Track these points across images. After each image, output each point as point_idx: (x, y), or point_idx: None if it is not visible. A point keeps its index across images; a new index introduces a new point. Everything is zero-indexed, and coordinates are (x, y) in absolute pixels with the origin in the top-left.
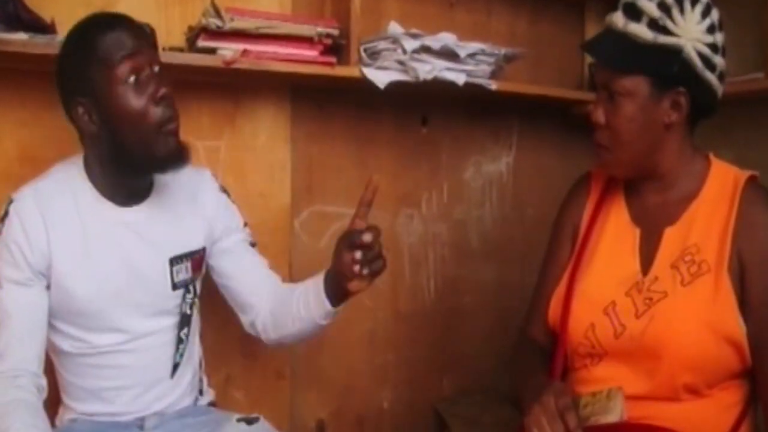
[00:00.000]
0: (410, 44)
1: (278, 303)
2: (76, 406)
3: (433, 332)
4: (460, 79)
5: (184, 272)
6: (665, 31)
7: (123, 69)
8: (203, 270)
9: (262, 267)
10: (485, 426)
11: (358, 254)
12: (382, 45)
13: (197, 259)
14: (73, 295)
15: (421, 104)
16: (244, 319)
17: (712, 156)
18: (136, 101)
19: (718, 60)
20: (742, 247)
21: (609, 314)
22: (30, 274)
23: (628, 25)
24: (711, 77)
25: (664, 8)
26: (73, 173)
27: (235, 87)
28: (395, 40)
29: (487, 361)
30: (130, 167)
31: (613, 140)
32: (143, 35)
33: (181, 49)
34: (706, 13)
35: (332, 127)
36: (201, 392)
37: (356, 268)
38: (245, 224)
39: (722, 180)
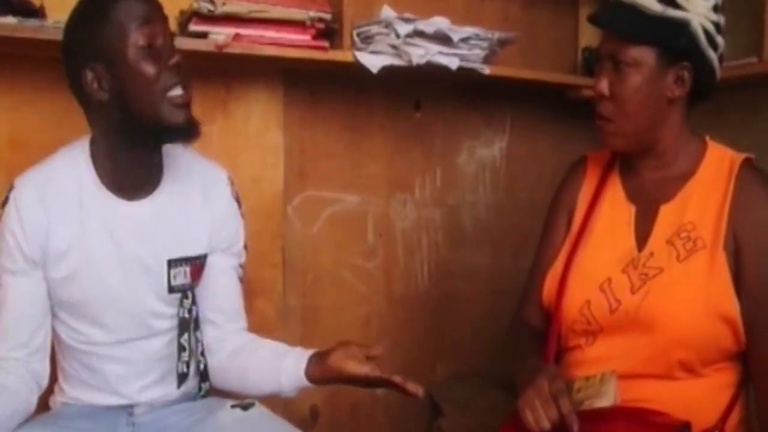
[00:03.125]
0: (403, 28)
1: (240, 351)
2: (68, 391)
3: (426, 318)
4: (454, 63)
5: (182, 277)
6: (674, 4)
7: (138, 35)
8: (201, 279)
9: (237, 297)
10: (479, 411)
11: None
12: (374, 29)
13: (197, 266)
14: (67, 290)
15: (414, 89)
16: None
17: (708, 138)
18: (149, 67)
19: (720, 40)
20: (738, 227)
21: (604, 290)
22: (24, 265)
23: None
24: (713, 56)
25: None
26: (78, 160)
27: (227, 72)
28: (388, 24)
29: (480, 347)
30: (139, 137)
31: (617, 111)
32: (156, 5)
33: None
34: None
35: (325, 111)
36: (206, 377)
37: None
38: (245, 246)
39: (718, 161)
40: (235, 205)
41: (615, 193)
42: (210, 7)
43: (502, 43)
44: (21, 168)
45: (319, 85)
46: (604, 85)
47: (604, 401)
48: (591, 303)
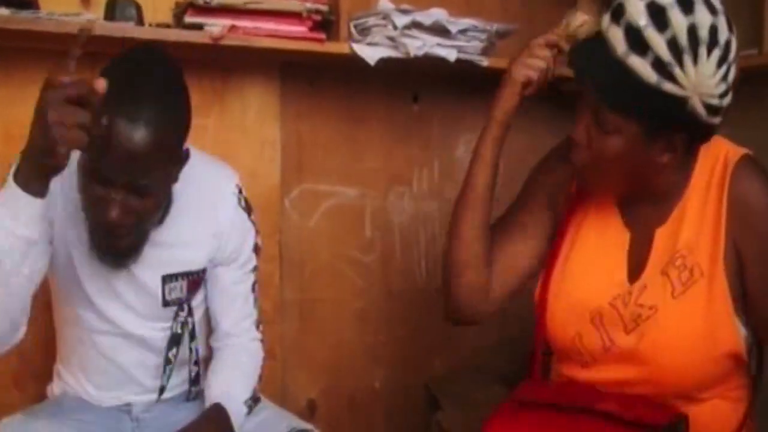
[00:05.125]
0: (401, 20)
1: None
2: (68, 380)
3: (424, 312)
4: (452, 55)
5: (177, 291)
6: (672, 78)
7: None
8: (201, 288)
9: (236, 311)
10: (477, 404)
11: None
12: (372, 21)
13: (195, 279)
14: (72, 275)
15: (412, 81)
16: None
17: None
18: None
19: (726, 101)
20: (738, 237)
21: (596, 325)
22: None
23: (630, 56)
24: (715, 120)
25: (676, 52)
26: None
27: (224, 64)
28: (385, 16)
29: (478, 341)
30: None
31: (594, 165)
32: None
33: (168, 25)
34: (723, 60)
35: (322, 104)
36: (197, 382)
37: None
38: (255, 248)
39: (711, 164)
40: (243, 214)
41: (606, 208)
42: None
43: (501, 34)
44: None
45: (316, 78)
46: (580, 135)
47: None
48: (583, 336)
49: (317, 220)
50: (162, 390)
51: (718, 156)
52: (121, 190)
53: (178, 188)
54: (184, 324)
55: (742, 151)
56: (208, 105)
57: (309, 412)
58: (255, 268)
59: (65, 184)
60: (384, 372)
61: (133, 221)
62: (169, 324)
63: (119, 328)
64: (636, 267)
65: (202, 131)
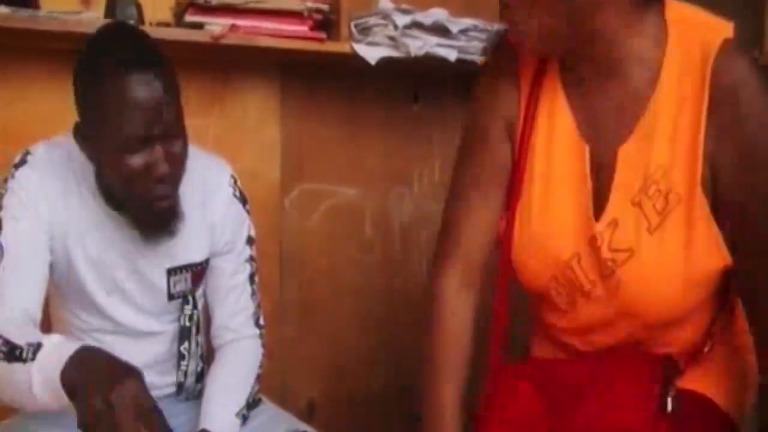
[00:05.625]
0: (401, 20)
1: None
2: None
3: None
4: (452, 55)
5: (183, 283)
6: None
7: None
8: (203, 280)
9: (236, 302)
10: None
11: None
12: (372, 20)
13: (198, 271)
14: (73, 277)
15: (413, 81)
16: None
17: (666, 13)
18: None
19: None
20: (717, 141)
21: (574, 268)
22: (36, 222)
23: None
24: None
25: None
26: (71, 156)
27: (224, 64)
28: (386, 16)
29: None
30: None
31: (526, 9)
32: None
33: (168, 24)
34: None
35: (322, 104)
36: (202, 378)
37: None
38: (249, 239)
39: (685, 52)
40: (237, 204)
41: (561, 117)
42: None
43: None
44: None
45: (317, 78)
46: None
47: None
48: (558, 278)
49: (317, 220)
50: (181, 386)
51: (691, 42)
52: (157, 143)
53: None
54: (191, 317)
55: (721, 35)
56: (208, 105)
57: (309, 412)
58: (251, 258)
59: (84, 193)
60: (384, 372)
61: (178, 169)
62: (172, 317)
63: (123, 327)
64: (599, 195)
65: (203, 131)
